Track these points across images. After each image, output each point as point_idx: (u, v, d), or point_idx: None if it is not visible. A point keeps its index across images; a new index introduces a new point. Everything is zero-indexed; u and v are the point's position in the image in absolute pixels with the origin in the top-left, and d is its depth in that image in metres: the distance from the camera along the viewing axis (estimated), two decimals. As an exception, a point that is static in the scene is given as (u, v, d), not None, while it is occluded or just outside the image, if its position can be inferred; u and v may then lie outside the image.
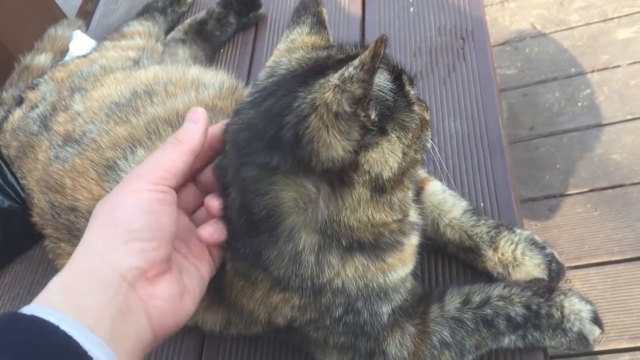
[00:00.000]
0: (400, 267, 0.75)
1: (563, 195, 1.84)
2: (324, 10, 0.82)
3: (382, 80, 0.66)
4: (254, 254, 0.68)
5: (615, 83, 2.01)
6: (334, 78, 0.62)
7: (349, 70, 0.60)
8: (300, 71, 0.71)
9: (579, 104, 2.02)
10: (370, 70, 0.59)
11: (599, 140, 1.91)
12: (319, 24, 0.81)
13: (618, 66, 2.04)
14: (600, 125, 1.94)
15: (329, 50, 0.75)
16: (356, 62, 0.60)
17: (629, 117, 1.92)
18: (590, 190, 1.82)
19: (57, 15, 1.67)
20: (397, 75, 0.70)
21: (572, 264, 1.68)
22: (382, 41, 0.58)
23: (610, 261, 1.66)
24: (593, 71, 2.07)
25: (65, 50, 1.50)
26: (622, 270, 1.63)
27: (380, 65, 0.62)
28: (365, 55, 0.59)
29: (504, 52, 2.27)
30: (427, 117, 0.75)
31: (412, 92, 0.72)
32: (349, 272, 0.70)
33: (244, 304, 0.75)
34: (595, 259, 1.67)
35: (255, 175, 0.65)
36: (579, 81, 2.07)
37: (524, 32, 2.29)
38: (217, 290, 0.76)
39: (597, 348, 1.52)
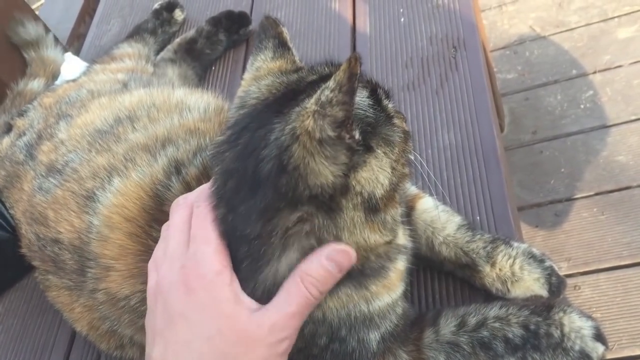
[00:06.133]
0: (386, 294, 0.72)
1: (569, 200, 1.81)
2: (285, 31, 0.79)
3: (360, 97, 0.64)
4: None
5: (617, 83, 1.97)
6: (311, 103, 0.59)
7: (326, 93, 0.58)
8: (271, 99, 0.68)
9: (582, 106, 1.99)
10: (349, 91, 0.57)
11: (603, 142, 1.88)
12: (282, 46, 0.77)
13: (620, 66, 2.01)
14: (604, 127, 1.91)
15: (298, 72, 0.73)
16: (331, 84, 0.57)
17: (633, 117, 1.88)
18: (597, 194, 1.78)
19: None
20: (373, 90, 0.68)
21: (581, 270, 1.65)
22: (356, 59, 0.56)
23: (620, 266, 1.62)
24: (595, 72, 2.04)
25: (58, 74, 1.49)
26: (633, 274, 1.60)
27: (359, 84, 0.60)
28: (341, 76, 0.56)
29: (503, 56, 2.24)
30: (408, 129, 0.73)
31: (389, 105, 0.70)
32: (331, 304, 0.68)
33: None
34: (604, 263, 1.64)
35: (243, 217, 0.63)
36: (580, 83, 2.04)
37: (523, 35, 2.26)
38: None
39: (609, 356, 1.48)
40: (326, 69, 0.72)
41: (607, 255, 1.65)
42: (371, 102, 0.66)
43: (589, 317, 0.77)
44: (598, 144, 1.88)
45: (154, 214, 0.79)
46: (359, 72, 0.56)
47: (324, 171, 0.60)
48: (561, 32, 2.19)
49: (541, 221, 1.80)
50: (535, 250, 0.85)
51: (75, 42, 1.72)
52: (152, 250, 0.73)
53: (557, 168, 1.89)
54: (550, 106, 2.04)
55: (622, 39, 2.07)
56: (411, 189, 0.93)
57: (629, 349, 1.49)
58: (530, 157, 1.95)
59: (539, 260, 0.83)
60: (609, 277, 1.61)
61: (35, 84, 1.47)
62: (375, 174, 0.64)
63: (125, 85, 1.17)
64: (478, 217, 0.93)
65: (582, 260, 1.66)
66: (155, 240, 0.74)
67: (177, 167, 0.83)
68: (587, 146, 1.89)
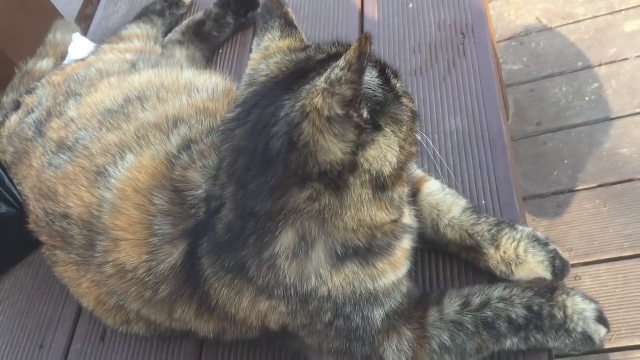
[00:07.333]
0: (391, 272, 0.73)
1: (571, 191, 1.80)
2: (290, 11, 0.80)
3: (369, 77, 0.65)
4: (238, 266, 0.69)
5: (623, 76, 1.97)
6: (321, 82, 0.60)
7: (336, 72, 0.59)
8: (281, 77, 0.69)
9: (587, 98, 1.98)
10: (358, 70, 0.58)
11: (607, 134, 1.87)
12: (289, 26, 0.79)
13: (626, 59, 2.00)
14: (608, 119, 1.90)
15: (307, 51, 0.73)
16: (341, 62, 0.58)
17: (638, 110, 1.88)
18: (599, 186, 1.78)
19: (56, 20, 1.66)
20: (382, 70, 0.69)
21: (582, 261, 1.65)
22: (367, 39, 0.57)
23: (621, 257, 1.62)
24: (600, 65, 2.03)
25: (67, 55, 1.49)
26: (633, 266, 1.60)
27: (368, 64, 0.60)
28: (351, 55, 0.57)
29: (510, 47, 2.24)
30: (415, 108, 0.74)
31: (398, 85, 0.71)
32: (336, 280, 0.69)
33: (234, 313, 0.75)
34: (605, 255, 1.64)
35: (254, 193, 0.65)
36: (586, 75, 2.04)
37: (530, 26, 2.25)
38: (203, 300, 0.76)
39: (608, 346, 1.49)
40: (333, 48, 0.73)
41: (609, 246, 1.65)
42: (380, 82, 0.67)
43: (592, 300, 0.78)
44: (602, 136, 1.87)
45: (161, 181, 0.81)
46: (368, 51, 0.57)
47: (334, 148, 0.61)
48: (568, 24, 2.18)
49: (544, 212, 1.80)
50: (539, 234, 0.85)
51: (82, 24, 1.73)
52: (153, 215, 0.77)
53: (561, 160, 1.89)
54: (555, 98, 2.03)
55: (628, 32, 2.06)
56: (417, 172, 0.94)
57: (627, 339, 1.49)
58: (534, 149, 1.95)
59: (543, 243, 0.84)
60: (609, 268, 1.61)
61: (44, 64, 1.47)
62: (384, 152, 0.65)
63: (133, 66, 1.17)
64: (483, 202, 0.94)
65: (584, 251, 1.66)
66: (155, 205, 0.78)
67: (188, 145, 0.84)
68: (591, 138, 1.89)
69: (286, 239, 0.67)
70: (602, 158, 1.83)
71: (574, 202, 1.79)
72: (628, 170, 1.77)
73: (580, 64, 2.08)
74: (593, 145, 1.87)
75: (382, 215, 0.68)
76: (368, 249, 0.69)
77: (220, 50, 1.44)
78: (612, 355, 1.50)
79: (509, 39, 2.26)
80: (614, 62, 2.02)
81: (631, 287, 1.57)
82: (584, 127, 1.93)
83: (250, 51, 1.39)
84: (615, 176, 1.78)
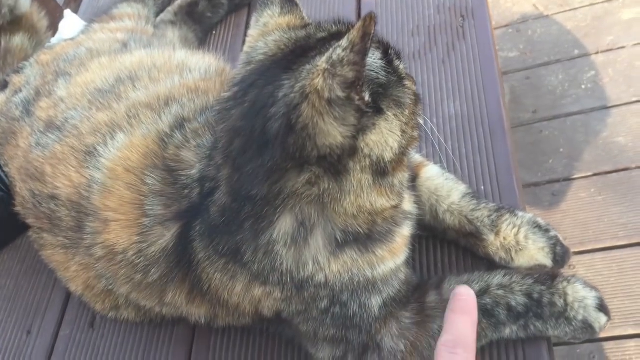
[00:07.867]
0: (390, 259, 0.72)
1: (567, 180, 1.80)
2: None
3: (372, 58, 0.63)
4: (232, 251, 0.68)
5: (620, 64, 1.96)
6: (322, 62, 0.58)
7: (338, 52, 0.57)
8: (280, 55, 0.67)
9: (583, 87, 1.97)
10: (361, 51, 0.55)
11: (603, 123, 1.86)
12: (289, 2, 0.76)
13: (623, 47, 1.99)
14: (604, 108, 1.90)
15: (306, 29, 0.71)
16: (344, 42, 0.56)
17: (634, 99, 1.87)
18: (595, 174, 1.77)
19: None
20: (385, 51, 0.67)
21: (577, 250, 1.64)
22: (371, 19, 0.55)
23: (616, 246, 1.62)
24: (597, 53, 2.02)
25: (36, 27, 1.44)
26: (628, 255, 1.59)
27: (372, 45, 0.58)
28: (354, 35, 0.55)
29: (506, 34, 2.22)
30: (418, 91, 0.72)
31: (401, 66, 0.69)
32: (334, 267, 0.68)
33: (226, 298, 0.73)
34: (600, 244, 1.64)
35: (250, 176, 0.64)
36: (582, 63, 2.02)
37: (526, 13, 2.23)
38: (195, 284, 0.74)
39: (601, 335, 1.49)
40: (334, 26, 0.71)
41: (603, 235, 1.65)
42: (383, 64, 0.65)
43: (593, 288, 0.76)
44: (598, 124, 1.87)
45: (154, 160, 0.79)
46: (373, 31, 0.55)
47: (333, 132, 0.59)
48: (565, 11, 2.17)
49: (538, 200, 1.79)
50: (540, 221, 0.84)
51: (72, 3, 1.69)
52: (145, 195, 0.75)
53: (556, 148, 1.88)
54: (551, 86, 2.02)
55: (626, 20, 2.05)
56: (416, 156, 0.92)
57: (621, 328, 1.49)
58: (530, 137, 1.94)
59: (544, 229, 0.82)
60: (604, 257, 1.61)
61: (17, 40, 1.42)
62: (385, 137, 0.63)
63: (125, 45, 1.15)
64: (483, 187, 0.92)
65: (578, 240, 1.66)
66: (147, 185, 0.75)
67: (181, 124, 0.82)
68: (587, 127, 1.88)
69: (284, 225, 0.65)
70: (597, 147, 1.82)
71: (569, 191, 1.78)
72: (624, 159, 1.77)
73: (576, 51, 2.06)
74: (589, 133, 1.86)
75: (382, 201, 0.67)
76: (368, 235, 0.68)
77: (214, 32, 1.42)
78: (605, 344, 1.50)
79: (505, 26, 2.24)
80: (611, 50, 2.01)
81: (625, 276, 1.57)
82: (579, 115, 1.92)
83: (245, 33, 1.37)
84: (610, 165, 1.77)
